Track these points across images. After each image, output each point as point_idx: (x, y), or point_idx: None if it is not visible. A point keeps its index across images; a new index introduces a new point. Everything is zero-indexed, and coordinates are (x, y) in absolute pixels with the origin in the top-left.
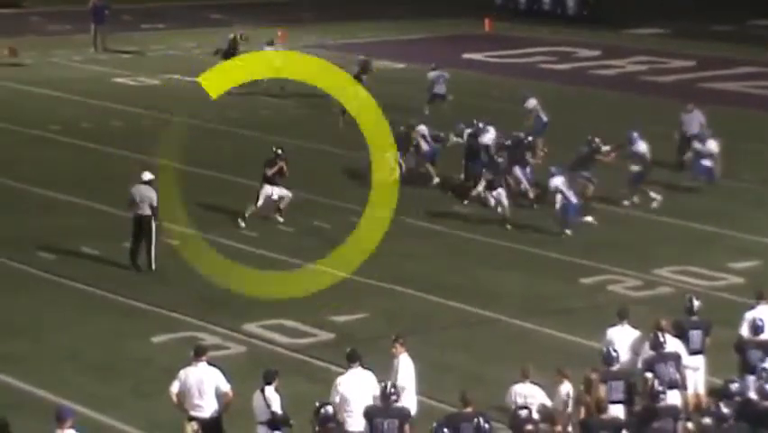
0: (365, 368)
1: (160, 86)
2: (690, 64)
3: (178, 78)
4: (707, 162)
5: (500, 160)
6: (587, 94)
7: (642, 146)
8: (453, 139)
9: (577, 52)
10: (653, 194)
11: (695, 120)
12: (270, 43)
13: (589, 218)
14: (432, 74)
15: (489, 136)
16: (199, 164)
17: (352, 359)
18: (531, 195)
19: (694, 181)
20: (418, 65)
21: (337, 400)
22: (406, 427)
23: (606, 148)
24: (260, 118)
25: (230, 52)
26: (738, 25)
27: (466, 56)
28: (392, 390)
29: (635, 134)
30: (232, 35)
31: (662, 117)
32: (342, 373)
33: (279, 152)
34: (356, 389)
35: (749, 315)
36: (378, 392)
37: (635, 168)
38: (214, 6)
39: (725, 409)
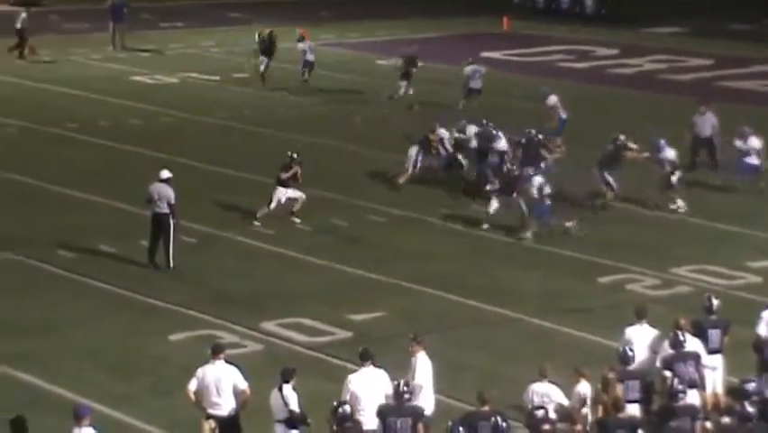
0: (377, 367)
1: (179, 84)
2: (707, 63)
3: (195, 76)
4: (752, 160)
5: (513, 166)
6: (605, 93)
7: (670, 153)
8: (455, 135)
9: (595, 51)
10: (680, 201)
11: (708, 122)
12: (301, 39)
13: (569, 224)
14: (468, 69)
15: (503, 143)
16: (215, 162)
17: (364, 358)
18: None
19: (732, 180)
20: (437, 63)
21: (347, 397)
22: (420, 425)
23: (633, 146)
24: (275, 116)
25: (269, 49)
26: (755, 24)
27: (484, 54)
28: (405, 388)
29: (662, 141)
30: (267, 30)
31: (680, 116)
32: (355, 372)
33: (295, 156)
34: (367, 387)
35: (766, 314)
36: (390, 391)
37: (666, 171)
38: (232, 5)
39: (749, 409)
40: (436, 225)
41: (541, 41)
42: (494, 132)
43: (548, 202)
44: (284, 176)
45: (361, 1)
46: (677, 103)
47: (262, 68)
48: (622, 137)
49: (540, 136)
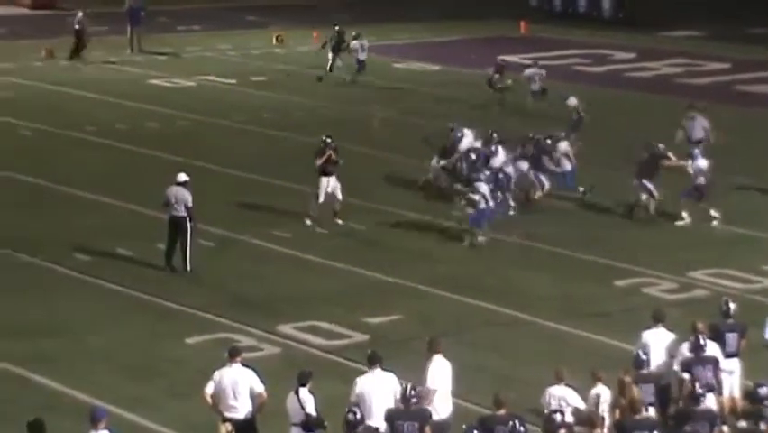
0: (386, 370)
1: (196, 87)
2: (725, 66)
3: (212, 79)
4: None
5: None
6: (622, 96)
7: (702, 162)
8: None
9: (612, 55)
10: (713, 212)
11: (698, 125)
12: (356, 37)
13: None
14: (528, 72)
15: (500, 158)
16: (232, 165)
17: (372, 361)
18: (535, 196)
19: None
20: (454, 67)
21: (354, 399)
22: (427, 429)
23: (671, 155)
24: (293, 119)
25: (338, 46)
26: None
27: (502, 58)
28: (412, 392)
29: (697, 150)
30: (336, 27)
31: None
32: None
33: (328, 140)
34: (375, 390)
35: None
36: (399, 395)
37: (699, 181)
38: (249, 8)
39: None
40: (451, 228)
41: (558, 44)
42: (493, 148)
43: (492, 205)
44: (319, 162)
45: (378, 4)
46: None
47: (333, 64)
48: (661, 146)
49: (548, 141)
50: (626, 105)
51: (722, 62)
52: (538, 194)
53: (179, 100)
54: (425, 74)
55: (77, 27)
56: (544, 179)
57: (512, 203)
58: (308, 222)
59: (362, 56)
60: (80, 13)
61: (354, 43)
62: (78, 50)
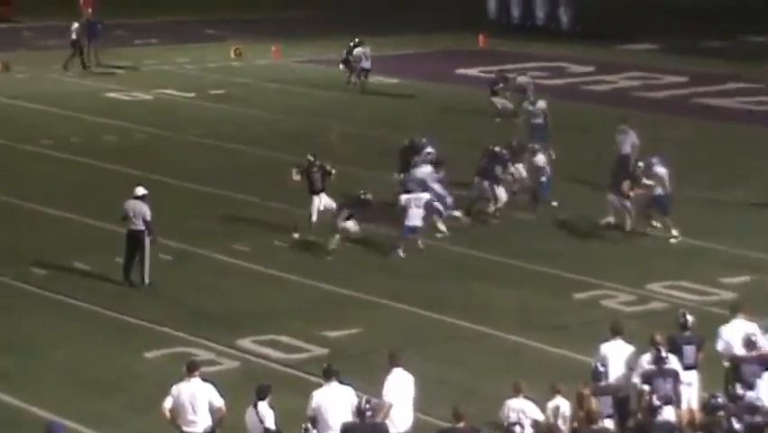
0: (343, 383)
1: (153, 101)
2: (682, 80)
3: (170, 93)
4: (657, 190)
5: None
6: (580, 109)
7: (660, 169)
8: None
9: (570, 68)
10: (674, 231)
11: (628, 140)
12: (358, 45)
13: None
14: (521, 79)
15: (422, 172)
16: (191, 179)
17: (328, 375)
18: (489, 210)
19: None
20: (412, 80)
21: (311, 414)
22: None
23: (648, 182)
24: (251, 133)
25: (347, 59)
26: (729, 41)
27: (460, 71)
28: (366, 406)
29: (655, 159)
30: (352, 43)
31: (654, 133)
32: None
33: (312, 159)
34: (331, 403)
35: (733, 330)
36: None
37: (657, 191)
38: (207, 22)
39: (736, 426)
40: (411, 240)
41: (517, 57)
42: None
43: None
44: (294, 179)
45: (337, 18)
46: (652, 120)
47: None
48: (640, 164)
49: (505, 155)
50: (583, 118)
51: (679, 75)
52: (491, 207)
53: (137, 114)
54: (383, 86)
55: (74, 37)
56: (500, 191)
57: (442, 227)
58: (295, 235)
59: (366, 64)
60: (76, 24)
61: (357, 51)
62: (83, 60)
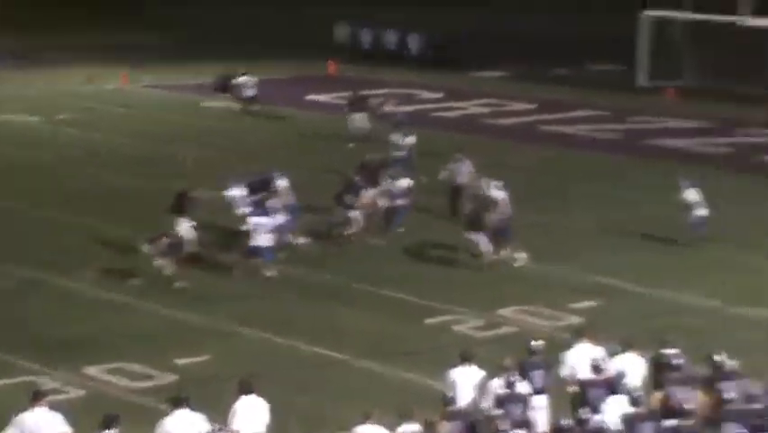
0: (194, 411)
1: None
2: (530, 107)
3: (15, 117)
4: (701, 213)
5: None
6: (429, 136)
7: (499, 194)
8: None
9: (420, 94)
10: (516, 254)
11: (464, 169)
12: (242, 74)
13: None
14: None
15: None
16: (38, 205)
17: (176, 404)
18: (345, 233)
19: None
20: (268, 105)
21: None
22: None
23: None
24: (99, 157)
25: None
26: (577, 69)
27: (310, 97)
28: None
29: (493, 183)
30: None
31: (501, 159)
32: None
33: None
34: (181, 431)
35: (578, 354)
36: None
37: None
38: (53, 47)
39: None
40: (257, 264)
41: (367, 83)
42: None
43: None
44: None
45: (185, 44)
46: (500, 146)
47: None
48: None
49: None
50: (432, 145)
51: (528, 102)
52: (348, 231)
53: None
54: (232, 112)
55: None
56: (354, 215)
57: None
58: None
59: (250, 92)
60: None
61: (241, 79)
62: None
